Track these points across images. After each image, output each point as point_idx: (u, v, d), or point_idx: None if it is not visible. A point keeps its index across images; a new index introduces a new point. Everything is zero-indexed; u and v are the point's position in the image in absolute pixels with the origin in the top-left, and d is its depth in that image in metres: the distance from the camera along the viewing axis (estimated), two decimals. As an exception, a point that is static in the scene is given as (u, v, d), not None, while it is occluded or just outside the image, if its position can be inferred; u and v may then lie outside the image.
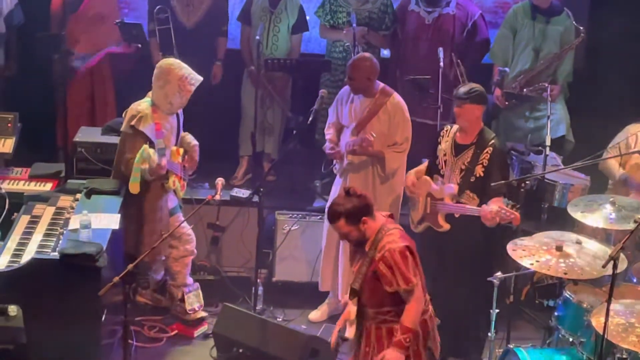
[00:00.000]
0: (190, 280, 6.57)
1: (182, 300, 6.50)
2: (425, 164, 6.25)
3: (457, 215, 5.95)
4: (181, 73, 6.09)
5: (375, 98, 6.40)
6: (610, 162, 6.75)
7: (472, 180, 5.92)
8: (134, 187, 6.01)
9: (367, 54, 6.49)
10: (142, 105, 6.11)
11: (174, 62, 6.19)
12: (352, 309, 4.99)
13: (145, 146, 5.93)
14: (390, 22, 7.72)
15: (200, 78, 6.18)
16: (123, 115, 6.21)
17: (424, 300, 4.91)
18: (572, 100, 7.81)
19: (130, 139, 6.07)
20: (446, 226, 5.99)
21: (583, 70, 7.96)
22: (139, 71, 7.56)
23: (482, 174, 5.90)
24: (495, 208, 5.66)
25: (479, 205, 5.83)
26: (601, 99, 7.80)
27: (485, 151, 5.91)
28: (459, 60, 7.39)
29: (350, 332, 5.01)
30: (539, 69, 7.54)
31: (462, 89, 5.94)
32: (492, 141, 5.94)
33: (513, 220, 5.65)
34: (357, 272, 4.93)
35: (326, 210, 5.06)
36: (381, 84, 6.45)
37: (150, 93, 6.18)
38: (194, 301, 6.52)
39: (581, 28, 7.46)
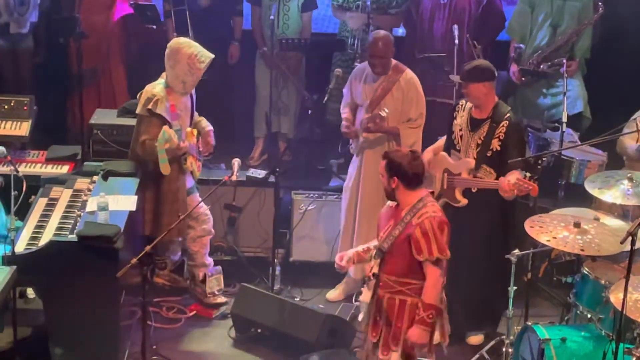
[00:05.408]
0: (210, 260, 6.58)
1: (203, 281, 6.51)
2: (441, 140, 6.22)
3: (474, 190, 5.94)
4: (190, 51, 6.06)
5: (389, 75, 6.37)
6: (624, 139, 6.70)
7: (488, 154, 5.90)
8: (165, 168, 6.01)
9: (382, 31, 6.47)
10: (157, 87, 6.10)
11: (183, 41, 6.17)
12: (373, 263, 4.95)
13: (166, 127, 5.93)
14: (401, 0, 7.68)
15: (211, 55, 6.12)
16: (138, 97, 6.20)
17: (443, 280, 4.90)
18: (589, 77, 7.75)
19: (146, 122, 6.07)
20: (464, 201, 5.97)
21: (601, 47, 7.88)
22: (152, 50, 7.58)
23: (498, 148, 5.88)
24: (513, 180, 5.64)
25: (496, 179, 5.82)
26: (619, 76, 7.74)
27: (501, 125, 5.87)
28: (474, 42, 7.34)
29: (365, 296, 5.00)
30: (557, 44, 7.48)
31: (465, 69, 5.92)
32: (508, 114, 5.91)
33: (531, 191, 5.63)
34: (388, 234, 4.91)
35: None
36: (394, 61, 6.42)
37: (164, 74, 6.17)
38: (214, 285, 6.52)
39: (600, 3, 7.40)
